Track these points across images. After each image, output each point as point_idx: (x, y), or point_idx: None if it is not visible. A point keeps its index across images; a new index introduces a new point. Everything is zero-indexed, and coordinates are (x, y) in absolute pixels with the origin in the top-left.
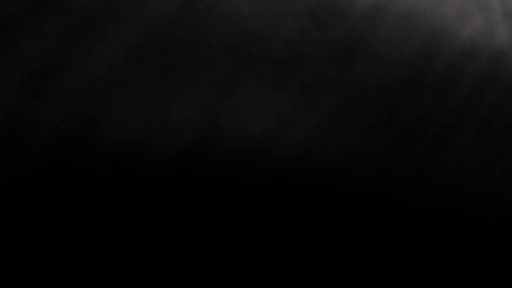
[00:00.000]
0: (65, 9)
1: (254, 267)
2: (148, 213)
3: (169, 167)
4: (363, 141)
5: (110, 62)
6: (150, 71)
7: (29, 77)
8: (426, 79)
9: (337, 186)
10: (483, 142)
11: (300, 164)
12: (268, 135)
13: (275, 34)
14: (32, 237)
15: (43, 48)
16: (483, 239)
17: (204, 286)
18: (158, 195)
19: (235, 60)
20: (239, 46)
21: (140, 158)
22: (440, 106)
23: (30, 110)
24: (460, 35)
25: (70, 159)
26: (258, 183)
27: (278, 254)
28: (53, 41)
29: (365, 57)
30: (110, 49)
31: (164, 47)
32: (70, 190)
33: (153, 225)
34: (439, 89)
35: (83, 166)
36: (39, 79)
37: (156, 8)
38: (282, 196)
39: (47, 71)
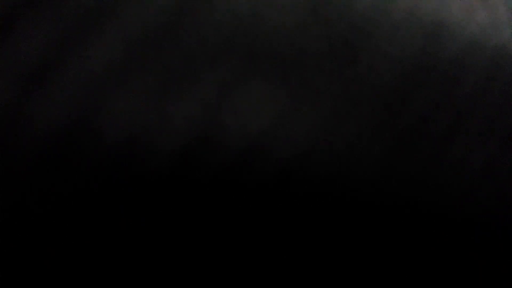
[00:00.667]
0: (62, 6)
1: (255, 265)
2: (147, 212)
3: (168, 166)
4: (365, 138)
5: (108, 59)
6: (148, 68)
7: (26, 74)
8: (429, 76)
9: (339, 184)
10: (487, 138)
11: (302, 161)
12: (269, 132)
13: (276, 30)
14: (29, 234)
15: (40, 45)
16: (487, 237)
17: (204, 285)
18: (157, 193)
19: (235, 57)
20: (239, 42)
21: (139, 156)
22: (444, 103)
23: (27, 107)
24: (464, 31)
25: (68, 156)
26: (259, 181)
27: (280, 252)
28: (50, 37)
29: (367, 53)
30: (108, 46)
31: (163, 44)
32: (68, 187)
33: (152, 224)
34: (443, 85)
35: (81, 163)
36: (36, 76)
37: (155, 4)
38: (283, 194)
39: (44, 68)
